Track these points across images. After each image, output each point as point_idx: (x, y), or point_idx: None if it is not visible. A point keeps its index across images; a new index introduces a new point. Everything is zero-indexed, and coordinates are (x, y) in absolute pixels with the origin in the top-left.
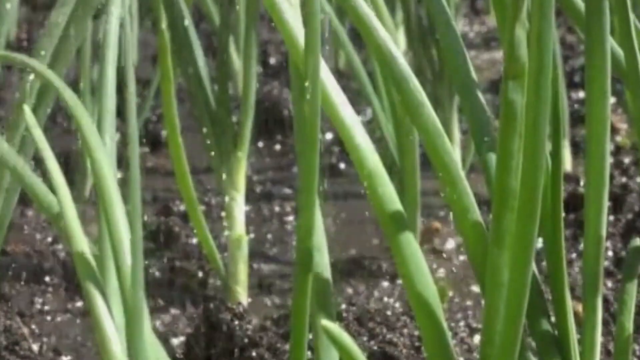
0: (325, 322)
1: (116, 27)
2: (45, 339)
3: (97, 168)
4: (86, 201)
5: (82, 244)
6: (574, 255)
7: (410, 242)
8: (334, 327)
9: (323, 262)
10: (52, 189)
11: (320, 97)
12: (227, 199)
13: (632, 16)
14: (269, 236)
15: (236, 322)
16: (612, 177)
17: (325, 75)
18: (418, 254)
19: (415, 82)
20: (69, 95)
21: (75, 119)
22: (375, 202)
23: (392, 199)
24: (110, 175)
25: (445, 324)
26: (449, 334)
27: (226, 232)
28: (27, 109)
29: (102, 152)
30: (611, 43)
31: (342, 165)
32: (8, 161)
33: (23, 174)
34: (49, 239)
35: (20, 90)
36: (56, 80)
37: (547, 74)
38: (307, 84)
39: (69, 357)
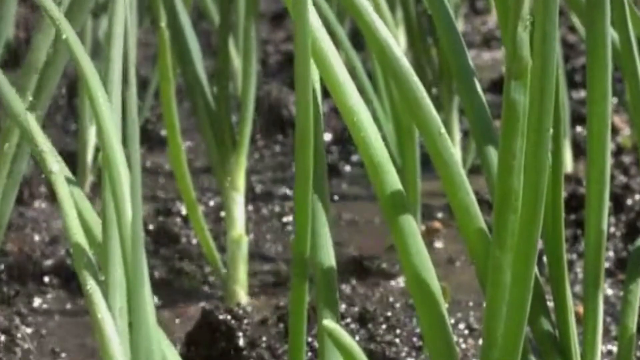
0: (328, 323)
1: (121, 26)
2: (44, 339)
3: (104, 134)
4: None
5: (81, 239)
6: (574, 255)
7: (414, 234)
8: (337, 327)
9: (328, 261)
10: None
11: (329, 88)
12: (226, 199)
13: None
14: (269, 236)
15: (236, 322)
16: (613, 177)
17: (335, 62)
18: (421, 245)
19: (416, 81)
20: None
21: (84, 80)
22: (380, 193)
23: (397, 191)
24: (116, 142)
25: (447, 319)
26: (450, 328)
27: (226, 232)
28: (30, 116)
29: (111, 120)
30: (614, 37)
31: (342, 166)
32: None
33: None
34: (48, 239)
35: (19, 89)
36: (71, 36)
37: (552, 74)
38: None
39: (68, 357)
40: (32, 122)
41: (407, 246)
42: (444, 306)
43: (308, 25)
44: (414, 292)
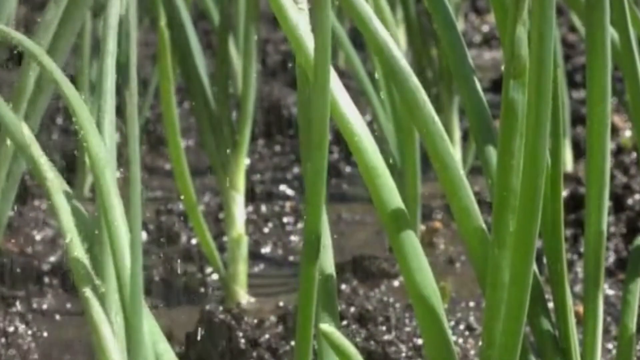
0: (325, 327)
1: (115, 22)
2: (44, 339)
3: (95, 166)
4: (86, 200)
5: (78, 247)
6: (574, 255)
7: (411, 237)
8: (334, 331)
9: (328, 262)
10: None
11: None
12: (226, 199)
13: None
14: (269, 236)
15: (236, 322)
16: (613, 176)
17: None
18: (418, 247)
19: (415, 81)
20: (66, 86)
21: (72, 111)
22: (375, 197)
23: (392, 195)
24: (108, 173)
25: (446, 322)
26: (449, 332)
27: (226, 232)
28: (24, 126)
29: (101, 148)
30: (613, 37)
31: (342, 166)
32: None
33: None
34: (48, 239)
35: (17, 89)
36: (55, 71)
37: (549, 73)
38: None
39: (68, 358)
40: (27, 130)
41: (404, 249)
42: (443, 309)
43: (329, 23)
44: (413, 295)
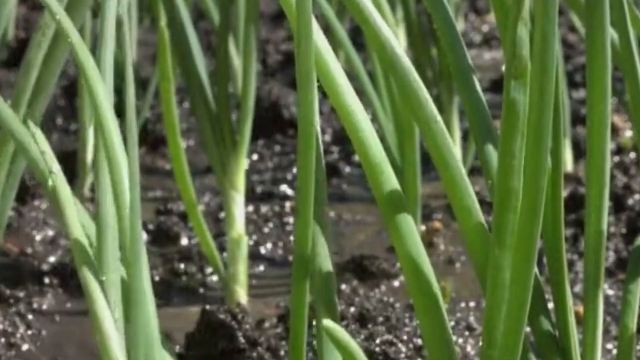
0: (328, 323)
1: (113, 18)
2: (44, 340)
3: (110, 153)
4: (86, 200)
5: (80, 236)
6: (574, 255)
7: (413, 236)
8: (337, 327)
9: (326, 262)
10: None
11: (326, 89)
12: (226, 199)
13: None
14: (269, 236)
15: (236, 322)
16: (613, 177)
17: (332, 63)
18: (420, 247)
19: (417, 79)
20: (80, 48)
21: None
22: (378, 194)
23: (395, 192)
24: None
25: (446, 322)
26: (450, 332)
27: (226, 232)
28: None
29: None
30: (613, 37)
31: (342, 166)
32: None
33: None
34: (48, 239)
35: (17, 88)
36: (72, 32)
37: (551, 74)
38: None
39: (68, 357)
40: (32, 124)
41: (405, 247)
42: (444, 307)
43: (311, 26)
44: (413, 293)
